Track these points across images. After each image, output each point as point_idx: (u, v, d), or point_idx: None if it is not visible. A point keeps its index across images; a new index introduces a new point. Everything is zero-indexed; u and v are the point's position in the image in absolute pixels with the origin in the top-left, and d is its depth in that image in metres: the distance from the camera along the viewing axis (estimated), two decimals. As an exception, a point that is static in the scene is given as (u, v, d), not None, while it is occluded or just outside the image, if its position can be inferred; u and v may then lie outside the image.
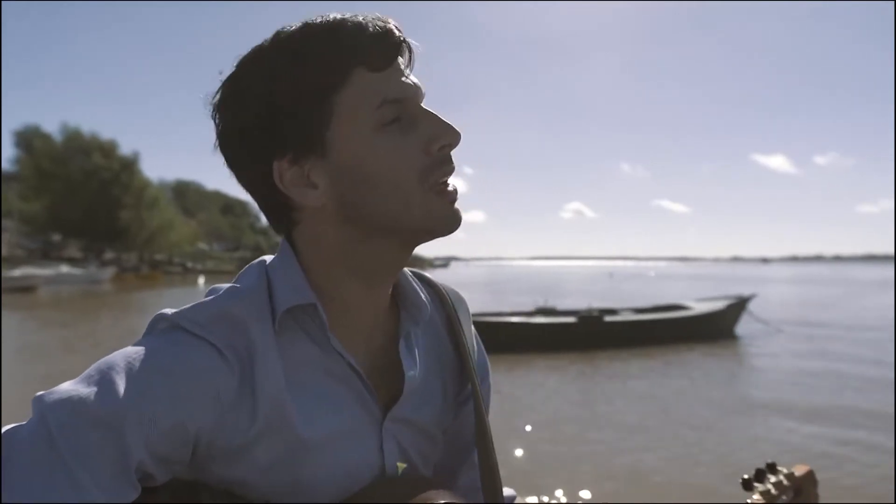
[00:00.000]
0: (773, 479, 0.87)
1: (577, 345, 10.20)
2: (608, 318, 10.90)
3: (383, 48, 0.65)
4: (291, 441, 0.65)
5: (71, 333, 13.31)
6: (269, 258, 0.73)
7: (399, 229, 0.67)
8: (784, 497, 0.88)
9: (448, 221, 0.69)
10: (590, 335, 10.49)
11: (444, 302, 0.84)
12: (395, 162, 0.65)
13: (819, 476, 0.93)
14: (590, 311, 11.25)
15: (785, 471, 0.89)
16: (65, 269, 38.43)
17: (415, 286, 0.77)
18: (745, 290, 15.01)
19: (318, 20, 0.66)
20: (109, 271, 42.18)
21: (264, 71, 0.65)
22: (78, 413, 0.55)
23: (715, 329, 11.74)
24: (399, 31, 0.68)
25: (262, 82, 0.65)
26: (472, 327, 0.88)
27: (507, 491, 0.89)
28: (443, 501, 0.69)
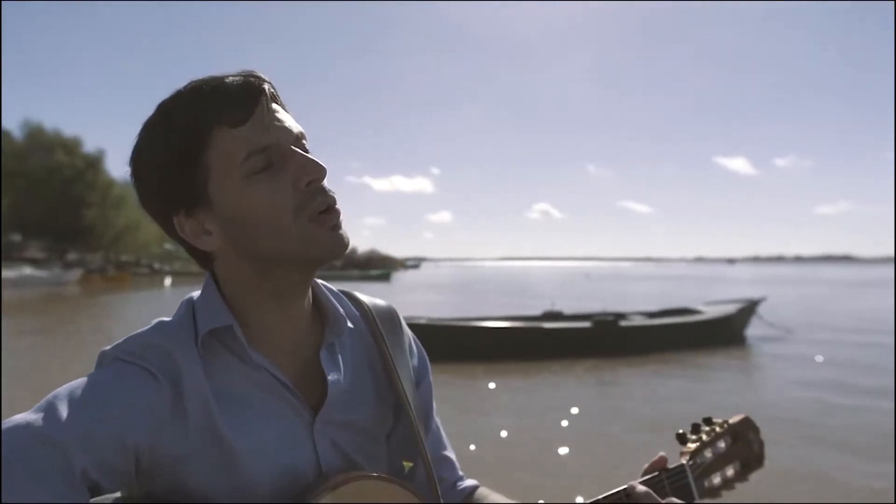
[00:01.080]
0: (706, 429, 0.91)
1: (593, 350, 9.80)
2: (623, 323, 10.51)
3: (240, 104, 0.73)
4: (225, 448, 0.74)
5: (53, 340, 12.47)
6: (197, 294, 0.82)
7: (286, 260, 0.75)
8: (721, 443, 0.92)
9: (329, 247, 0.75)
10: (605, 341, 10.10)
11: (367, 318, 0.91)
12: (268, 203, 0.73)
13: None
14: (604, 315, 10.86)
15: (719, 421, 0.92)
16: (28, 270, 36.88)
17: (333, 302, 0.85)
18: (725, 290, 14.84)
19: (183, 89, 0.75)
20: (75, 273, 40.57)
21: (147, 142, 0.76)
22: (27, 437, 0.66)
23: (727, 333, 11.49)
24: (258, 81, 0.75)
25: (147, 152, 0.76)
26: (409, 332, 0.97)
27: (470, 482, 1.00)
28: (375, 474, 0.79)
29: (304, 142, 0.77)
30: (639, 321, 11.21)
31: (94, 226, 52.66)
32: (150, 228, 63.30)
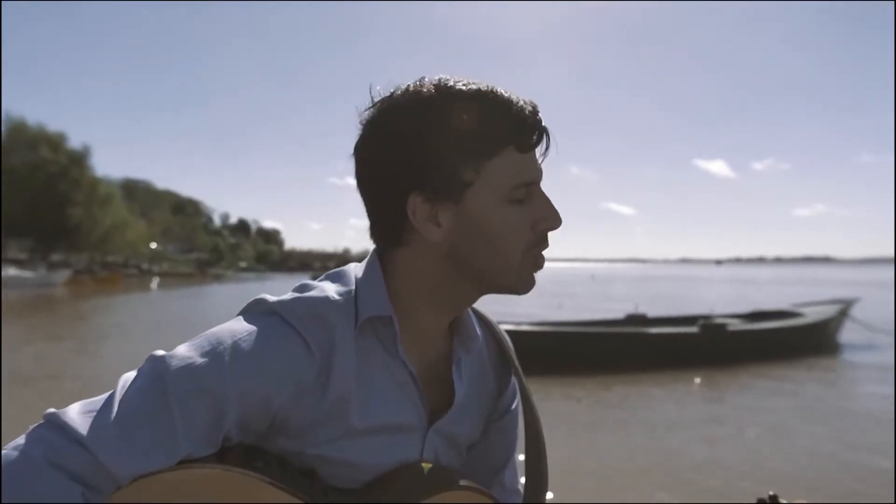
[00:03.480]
0: None
1: (697, 358, 8.52)
2: (731, 328, 9.22)
3: (532, 134, 0.76)
4: (346, 426, 0.75)
5: (59, 345, 10.95)
6: (355, 267, 0.82)
7: (489, 283, 0.78)
8: None
9: (528, 287, 0.79)
10: (713, 347, 8.82)
11: (496, 336, 0.93)
12: (510, 231, 0.75)
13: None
14: (711, 318, 9.55)
15: (784, 502, 0.92)
16: (12, 271, 34.88)
17: (472, 319, 0.87)
18: (736, 291, 13.61)
19: (488, 91, 0.74)
20: (63, 274, 38.51)
21: (426, 118, 0.74)
22: (191, 381, 0.67)
23: (825, 338, 10.30)
24: (542, 116, 0.77)
25: (422, 127, 0.73)
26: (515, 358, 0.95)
27: None
28: (464, 482, 0.81)
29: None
30: (741, 325, 9.92)
31: (80, 225, 50.54)
32: (137, 228, 61.19)
